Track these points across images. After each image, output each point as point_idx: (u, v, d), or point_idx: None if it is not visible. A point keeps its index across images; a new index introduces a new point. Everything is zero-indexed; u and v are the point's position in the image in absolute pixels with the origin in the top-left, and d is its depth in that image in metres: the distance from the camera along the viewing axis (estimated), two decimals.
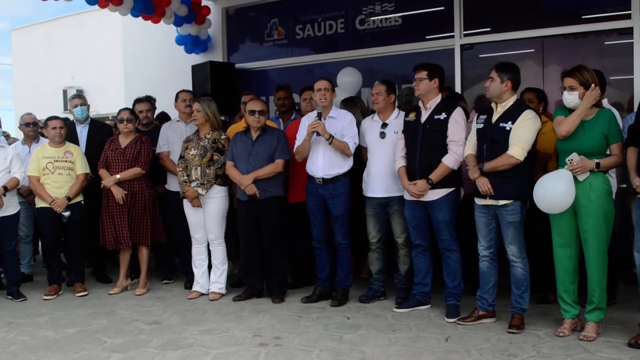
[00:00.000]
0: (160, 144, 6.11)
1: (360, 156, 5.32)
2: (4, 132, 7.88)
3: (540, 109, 5.13)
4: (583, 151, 4.07)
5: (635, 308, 4.27)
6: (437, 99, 4.79)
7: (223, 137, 5.56)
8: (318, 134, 5.04)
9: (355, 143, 5.15)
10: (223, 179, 5.52)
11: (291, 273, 5.86)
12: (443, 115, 4.70)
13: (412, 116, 4.86)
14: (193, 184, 5.46)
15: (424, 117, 4.78)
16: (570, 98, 4.16)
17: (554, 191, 4.06)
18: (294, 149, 5.30)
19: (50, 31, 15.29)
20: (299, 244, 5.73)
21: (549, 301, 4.93)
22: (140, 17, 7.73)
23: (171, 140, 6.03)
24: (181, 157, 5.62)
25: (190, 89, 7.27)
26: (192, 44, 8.55)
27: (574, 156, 4.06)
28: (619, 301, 4.90)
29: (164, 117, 7.05)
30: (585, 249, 4.18)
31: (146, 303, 5.53)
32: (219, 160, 5.49)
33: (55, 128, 5.82)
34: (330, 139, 5.05)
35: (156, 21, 7.88)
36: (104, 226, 5.80)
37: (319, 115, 5.12)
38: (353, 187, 5.26)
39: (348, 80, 6.74)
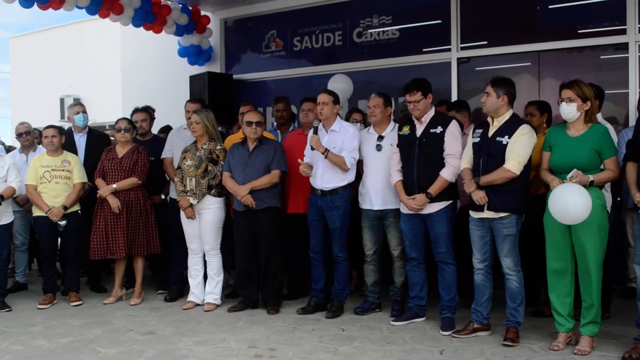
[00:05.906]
0: (166, 149, 6.12)
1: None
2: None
3: (544, 120, 5.14)
4: (576, 168, 4.05)
5: (629, 322, 4.27)
6: (431, 112, 4.82)
7: (218, 147, 5.56)
8: (313, 148, 5.07)
9: (354, 157, 5.11)
10: (219, 190, 5.53)
11: (286, 284, 5.85)
12: (439, 129, 4.71)
13: (405, 130, 4.87)
14: (187, 195, 5.48)
15: (419, 131, 4.79)
16: (569, 109, 4.15)
17: (575, 203, 3.94)
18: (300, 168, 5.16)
19: (49, 40, 15.31)
20: (295, 255, 5.74)
21: (544, 315, 4.93)
22: (141, 27, 7.72)
23: (175, 147, 6.01)
24: (178, 167, 5.63)
25: (189, 99, 7.25)
26: (195, 54, 8.55)
27: (574, 173, 4.03)
28: (614, 315, 4.90)
29: (168, 131, 7.01)
30: (579, 262, 4.18)
31: (141, 313, 5.51)
32: (212, 171, 5.49)
33: (48, 137, 5.80)
34: (325, 152, 5.07)
35: (158, 31, 7.87)
36: (94, 237, 5.74)
37: (315, 130, 5.14)
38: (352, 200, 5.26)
39: (338, 87, 6.70)
